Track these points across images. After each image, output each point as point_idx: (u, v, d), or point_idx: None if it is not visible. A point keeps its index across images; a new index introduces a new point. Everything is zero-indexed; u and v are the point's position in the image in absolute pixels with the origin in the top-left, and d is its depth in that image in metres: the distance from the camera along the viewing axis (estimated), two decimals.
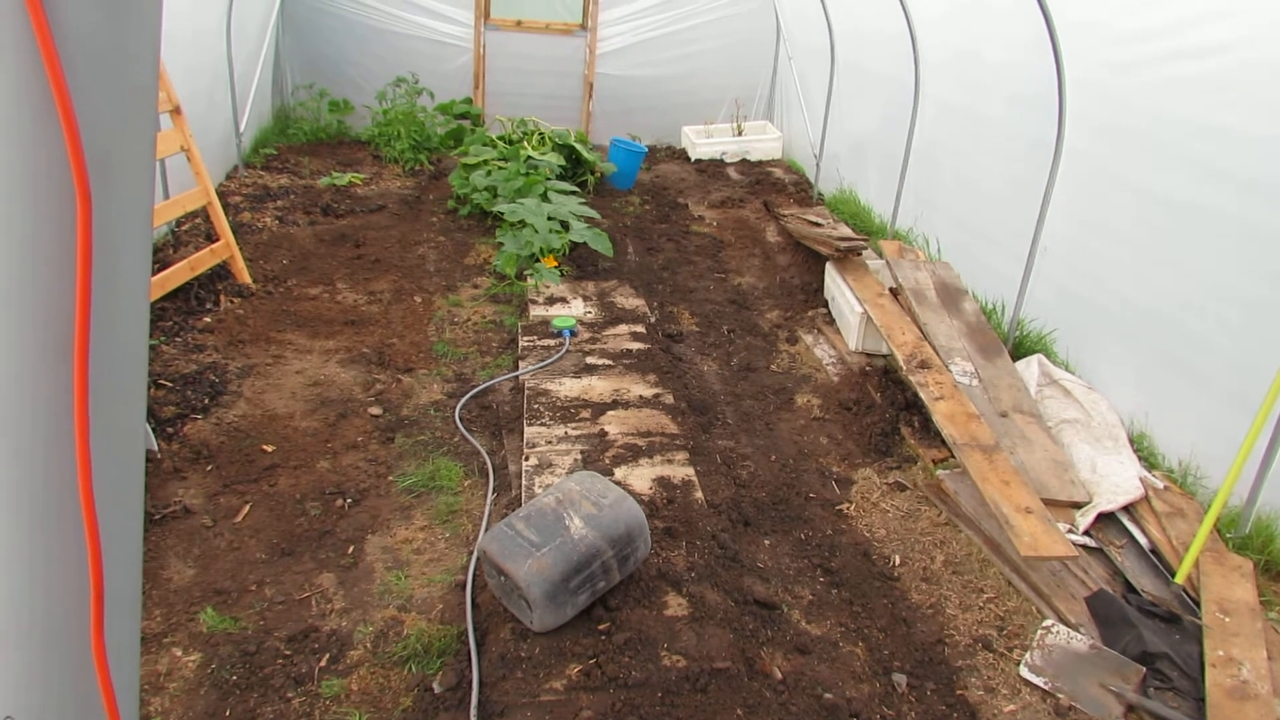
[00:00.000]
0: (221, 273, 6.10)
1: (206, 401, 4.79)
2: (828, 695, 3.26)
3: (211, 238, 6.19)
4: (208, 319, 5.66)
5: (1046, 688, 3.46)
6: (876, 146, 8.02)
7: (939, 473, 4.65)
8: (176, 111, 5.67)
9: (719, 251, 7.82)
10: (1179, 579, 3.86)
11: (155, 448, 4.32)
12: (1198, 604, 3.74)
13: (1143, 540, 4.13)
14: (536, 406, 4.82)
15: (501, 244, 6.81)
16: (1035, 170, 5.49)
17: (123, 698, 1.00)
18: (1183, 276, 4.50)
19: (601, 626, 3.32)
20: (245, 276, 6.14)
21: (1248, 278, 4.12)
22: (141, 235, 0.96)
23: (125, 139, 0.88)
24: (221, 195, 7.48)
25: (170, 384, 4.87)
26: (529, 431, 4.59)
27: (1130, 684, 3.40)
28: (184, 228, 6.65)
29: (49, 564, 0.94)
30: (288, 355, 5.40)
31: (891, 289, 6.12)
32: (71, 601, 0.96)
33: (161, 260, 6.01)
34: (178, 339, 5.37)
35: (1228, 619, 3.61)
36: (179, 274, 5.55)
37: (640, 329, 5.86)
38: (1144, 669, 3.45)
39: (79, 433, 0.87)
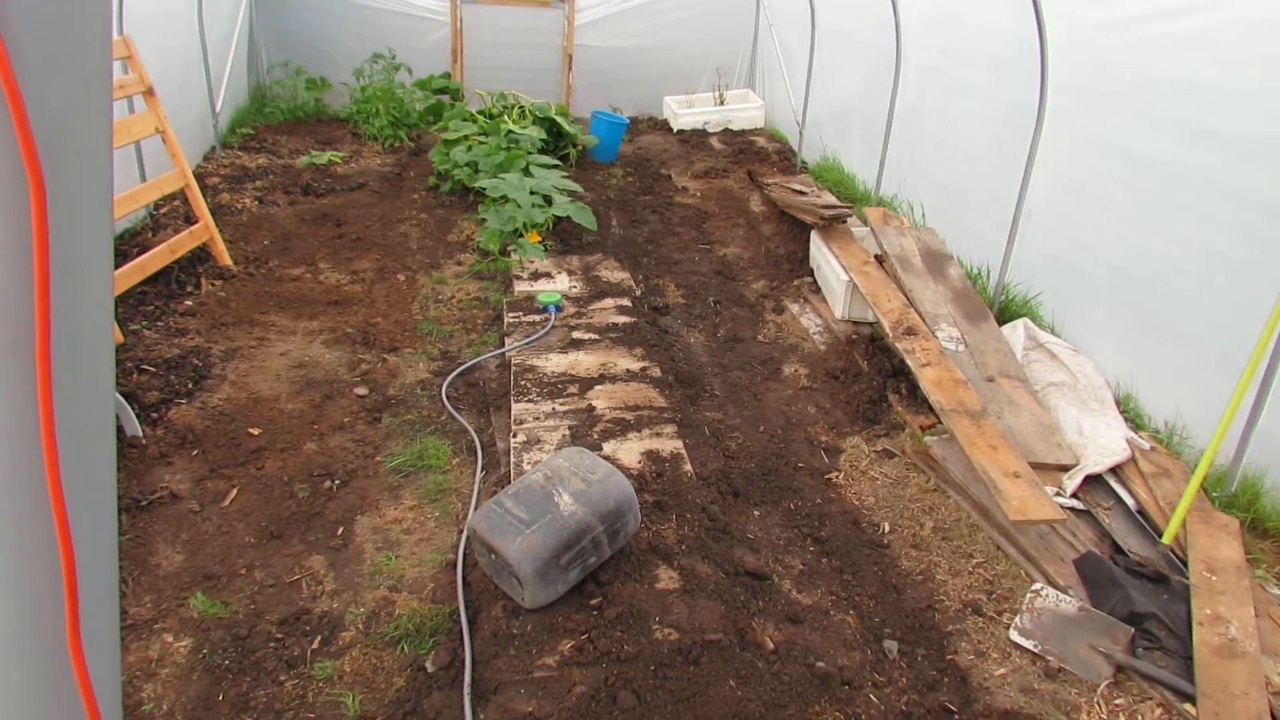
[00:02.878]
0: (202, 255, 6.03)
1: (190, 386, 4.74)
2: (820, 664, 3.28)
3: (190, 220, 6.11)
4: (189, 302, 5.60)
5: (1036, 650, 3.48)
6: (859, 113, 7.97)
7: (927, 439, 4.66)
8: (149, 93, 5.58)
9: (703, 222, 7.79)
10: (1166, 539, 3.89)
11: (140, 433, 4.29)
12: (1185, 563, 3.78)
13: (1130, 501, 4.16)
14: (523, 383, 4.80)
15: (484, 220, 6.75)
16: (1018, 134, 5.47)
17: (102, 695, 0.99)
18: (1167, 238, 4.50)
19: (593, 602, 3.33)
20: (226, 258, 6.07)
21: (1232, 238, 4.12)
22: (101, 222, 0.93)
23: (79, 121, 0.85)
24: (199, 176, 7.39)
25: (153, 369, 4.82)
26: (516, 408, 4.57)
27: (1119, 644, 3.43)
28: (162, 210, 6.57)
29: (20, 563, 0.92)
30: (271, 337, 5.35)
31: (877, 256, 6.11)
32: (45, 600, 0.94)
33: (140, 244, 5.94)
34: (159, 323, 5.31)
35: (1215, 577, 3.64)
36: (158, 257, 5.48)
37: (626, 302, 5.83)
38: (1132, 629, 3.48)
39: (44, 428, 0.84)
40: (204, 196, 6.19)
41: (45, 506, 0.88)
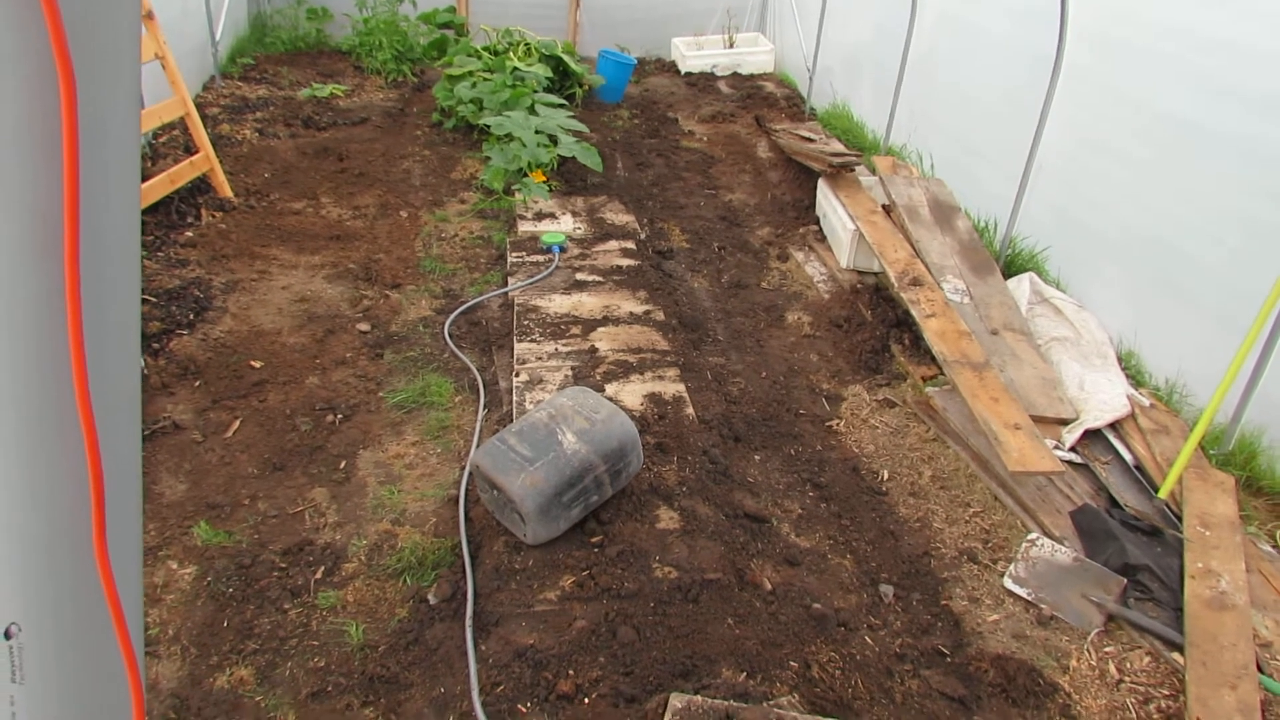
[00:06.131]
0: (202, 186, 5.96)
1: (192, 317, 4.72)
2: (816, 605, 3.32)
3: (190, 150, 6.03)
4: (189, 233, 5.55)
5: (1029, 598, 3.53)
6: (871, 60, 7.84)
7: (928, 390, 4.67)
8: (149, 16, 5.46)
9: (709, 167, 7.70)
10: (1162, 494, 3.92)
11: (142, 363, 4.28)
12: (1179, 518, 3.81)
13: (1128, 456, 4.18)
14: (526, 323, 4.78)
15: (488, 158, 6.67)
16: (1034, 85, 5.38)
17: (128, 603, 0.99)
18: (1179, 196, 4.46)
19: (594, 539, 3.35)
20: (226, 190, 6.00)
21: (1247, 198, 4.08)
22: (130, 114, 0.91)
23: (106, 11, 0.82)
24: (199, 106, 7.26)
25: (154, 299, 4.80)
26: (519, 348, 4.56)
27: (1111, 595, 3.48)
28: (161, 140, 6.47)
29: (49, 470, 0.91)
30: (273, 271, 5.31)
31: (884, 206, 6.06)
32: (73, 507, 0.93)
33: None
34: (160, 254, 5.27)
35: (1208, 532, 3.68)
36: (159, 187, 5.42)
37: (630, 245, 5.79)
38: (1125, 580, 3.52)
39: (72, 328, 0.83)
40: (204, 126, 6.09)
41: (73, 411, 0.88)
